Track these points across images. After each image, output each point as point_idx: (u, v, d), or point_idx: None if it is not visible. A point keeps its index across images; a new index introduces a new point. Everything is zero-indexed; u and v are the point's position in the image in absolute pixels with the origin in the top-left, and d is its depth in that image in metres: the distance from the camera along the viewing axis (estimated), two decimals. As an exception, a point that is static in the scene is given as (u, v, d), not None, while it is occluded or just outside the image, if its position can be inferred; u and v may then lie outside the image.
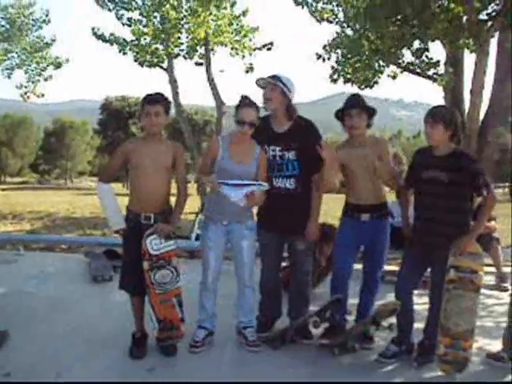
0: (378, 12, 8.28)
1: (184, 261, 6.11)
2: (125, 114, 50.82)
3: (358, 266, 4.16)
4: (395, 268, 5.05)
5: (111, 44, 13.93)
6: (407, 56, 10.07)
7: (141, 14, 13.78)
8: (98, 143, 57.56)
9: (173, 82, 14.37)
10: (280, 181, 3.90)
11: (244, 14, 14.15)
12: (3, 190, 37.83)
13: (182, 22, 13.69)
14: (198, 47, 14.14)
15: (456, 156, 3.46)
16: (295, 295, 4.12)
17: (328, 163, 3.72)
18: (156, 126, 3.65)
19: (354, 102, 3.85)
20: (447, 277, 3.40)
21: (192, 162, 14.50)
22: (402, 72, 10.54)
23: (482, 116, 8.80)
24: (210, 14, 13.36)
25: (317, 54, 10.96)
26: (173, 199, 3.79)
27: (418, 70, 9.99)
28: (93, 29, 14.02)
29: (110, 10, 13.80)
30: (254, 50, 14.22)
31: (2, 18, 15.46)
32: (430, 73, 9.71)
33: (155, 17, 13.66)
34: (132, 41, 13.97)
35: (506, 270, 6.11)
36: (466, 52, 9.19)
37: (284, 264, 4.41)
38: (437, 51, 10.25)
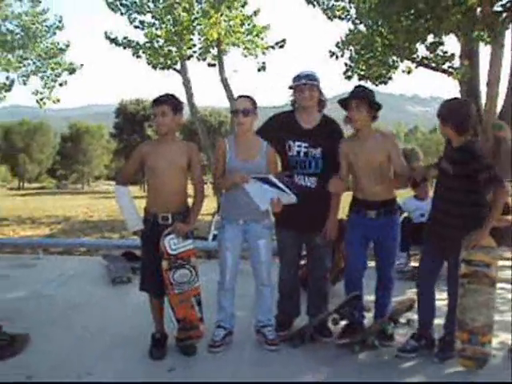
0: (390, 7, 8.22)
1: (202, 261, 6.11)
2: (140, 117, 51.12)
3: (373, 264, 4.10)
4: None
5: (124, 48, 14.04)
6: (421, 50, 10.02)
7: (153, 16, 13.87)
8: (114, 147, 57.95)
9: (187, 83, 14.41)
10: (302, 178, 3.88)
11: (255, 13, 14.15)
12: (22, 195, 38.30)
13: (194, 24, 13.73)
14: (210, 48, 14.17)
15: (463, 149, 3.40)
16: (314, 292, 4.10)
17: None
18: (163, 125, 3.64)
19: (351, 93, 3.74)
20: (460, 271, 3.36)
21: (208, 162, 14.52)
22: (416, 67, 10.46)
23: (499, 108, 8.69)
24: (222, 14, 13.38)
25: (330, 51, 10.92)
26: (190, 200, 3.79)
27: (433, 64, 9.91)
28: (106, 33, 14.15)
29: (122, 13, 13.89)
30: (267, 48, 14.20)
31: (16, 25, 15.60)
32: (445, 66, 9.64)
33: (168, 19, 13.72)
34: (145, 43, 14.05)
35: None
36: (482, 44, 9.09)
37: (302, 262, 4.38)
38: (451, 44, 10.17)
